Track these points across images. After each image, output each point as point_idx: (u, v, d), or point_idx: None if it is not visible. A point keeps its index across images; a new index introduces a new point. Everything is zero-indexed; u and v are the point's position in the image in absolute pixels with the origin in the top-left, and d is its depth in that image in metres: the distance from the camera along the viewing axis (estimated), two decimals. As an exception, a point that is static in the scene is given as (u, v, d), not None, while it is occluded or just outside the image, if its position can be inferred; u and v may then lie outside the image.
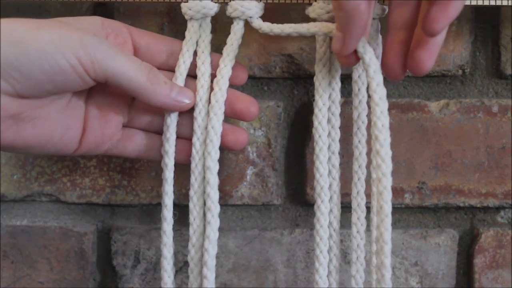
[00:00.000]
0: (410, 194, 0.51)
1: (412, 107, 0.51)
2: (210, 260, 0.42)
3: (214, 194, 0.43)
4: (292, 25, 0.43)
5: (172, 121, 0.45)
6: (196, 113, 0.44)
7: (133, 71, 0.40)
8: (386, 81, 0.51)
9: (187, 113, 0.45)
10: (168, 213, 0.45)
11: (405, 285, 0.52)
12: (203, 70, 0.45)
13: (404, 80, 0.51)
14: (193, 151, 0.44)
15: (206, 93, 0.44)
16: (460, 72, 0.51)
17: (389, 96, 0.51)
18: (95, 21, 0.43)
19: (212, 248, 0.42)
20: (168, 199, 0.45)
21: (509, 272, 0.51)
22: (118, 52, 0.40)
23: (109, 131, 0.44)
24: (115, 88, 0.41)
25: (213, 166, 0.43)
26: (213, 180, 0.43)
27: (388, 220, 0.40)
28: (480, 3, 0.46)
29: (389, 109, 0.50)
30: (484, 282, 0.51)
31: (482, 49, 0.51)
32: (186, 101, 0.44)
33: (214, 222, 0.43)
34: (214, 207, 0.43)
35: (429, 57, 0.40)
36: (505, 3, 0.46)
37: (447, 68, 0.50)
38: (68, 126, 0.42)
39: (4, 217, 0.53)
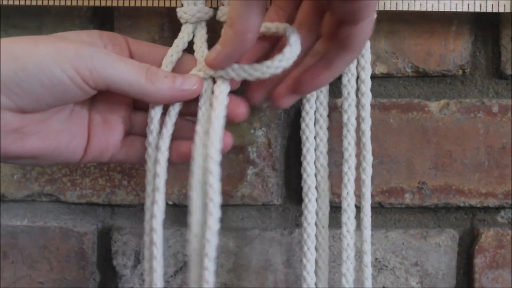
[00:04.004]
0: (410, 194, 0.51)
1: (412, 107, 0.51)
2: (211, 265, 0.41)
3: (216, 198, 0.41)
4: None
5: (156, 113, 0.44)
6: (200, 103, 0.44)
7: (132, 75, 0.40)
8: (387, 81, 0.51)
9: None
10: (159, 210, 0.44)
11: (405, 285, 0.52)
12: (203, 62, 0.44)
13: (404, 80, 0.51)
14: (195, 149, 0.44)
15: (210, 84, 0.44)
16: (460, 72, 0.51)
17: (389, 96, 0.51)
18: (94, 34, 0.44)
19: (212, 251, 0.41)
20: (160, 195, 0.44)
21: (509, 272, 0.51)
22: (116, 58, 0.41)
23: (113, 138, 0.44)
24: (119, 93, 0.41)
25: (215, 169, 0.42)
26: (216, 183, 0.41)
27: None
28: (482, 9, 0.46)
29: (389, 109, 0.51)
30: (484, 282, 0.51)
31: (482, 49, 0.51)
32: (193, 87, 0.43)
33: (214, 227, 0.41)
34: (216, 212, 0.41)
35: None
36: (502, 9, 0.46)
37: (447, 68, 0.50)
38: (74, 135, 0.43)
39: (4, 217, 0.53)
